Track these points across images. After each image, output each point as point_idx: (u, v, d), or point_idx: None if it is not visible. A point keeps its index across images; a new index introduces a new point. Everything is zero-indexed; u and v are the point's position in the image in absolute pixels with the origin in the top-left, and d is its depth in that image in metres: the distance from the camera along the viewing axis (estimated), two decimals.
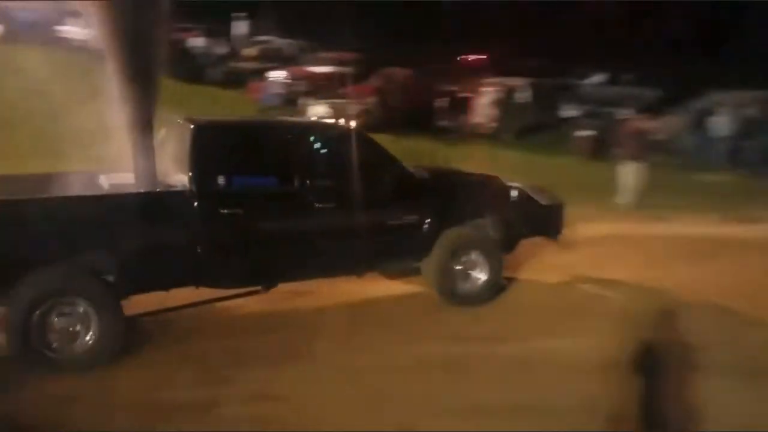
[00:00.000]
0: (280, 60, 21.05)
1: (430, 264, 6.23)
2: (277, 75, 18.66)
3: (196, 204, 5.16)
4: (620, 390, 4.45)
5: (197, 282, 5.32)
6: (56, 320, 4.75)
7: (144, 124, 5.44)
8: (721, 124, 14.50)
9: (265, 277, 5.62)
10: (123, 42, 5.26)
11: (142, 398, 4.48)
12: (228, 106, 16.83)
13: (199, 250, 5.16)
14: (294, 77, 18.66)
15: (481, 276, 6.37)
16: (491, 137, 16.35)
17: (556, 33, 25.41)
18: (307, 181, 5.58)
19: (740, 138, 14.13)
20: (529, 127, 17.49)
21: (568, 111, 17.73)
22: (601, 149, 14.07)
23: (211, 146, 5.32)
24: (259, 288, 5.64)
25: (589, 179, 12.15)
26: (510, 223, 6.51)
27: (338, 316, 6.02)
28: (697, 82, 17.90)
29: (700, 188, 12.40)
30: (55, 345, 4.76)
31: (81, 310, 4.80)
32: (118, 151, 5.61)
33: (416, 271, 6.42)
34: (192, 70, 19.51)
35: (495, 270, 6.39)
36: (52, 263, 4.76)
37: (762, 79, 18.34)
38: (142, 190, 5.30)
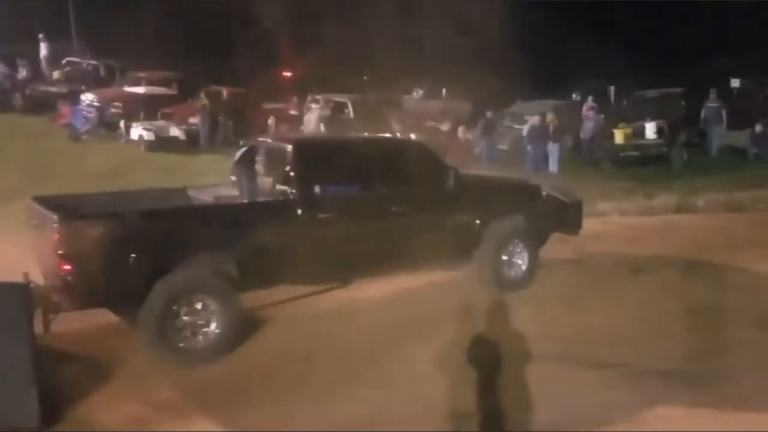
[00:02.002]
0: (90, 82, 19.63)
1: (481, 256, 7.19)
2: (89, 98, 17.36)
3: (299, 211, 5.94)
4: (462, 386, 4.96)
5: (297, 279, 6.21)
6: (186, 317, 5.45)
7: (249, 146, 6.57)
8: (527, 131, 15.74)
9: (351, 273, 6.62)
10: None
11: None
12: (31, 136, 15.26)
13: (301, 250, 5.90)
14: (108, 99, 17.49)
15: (522, 264, 7.40)
16: None
17: (373, 49, 26.24)
18: (384, 188, 6.55)
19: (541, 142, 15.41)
20: None
21: (394, 125, 18.38)
22: None
23: (307, 160, 6.15)
24: (337, 284, 6.76)
25: None
26: (541, 219, 7.62)
27: None
28: (504, 93, 19.47)
29: None
30: (186, 339, 5.47)
31: (207, 306, 5.50)
32: None
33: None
34: None
35: (533, 259, 7.47)
36: (185, 265, 5.38)
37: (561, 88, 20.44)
38: (255, 200, 6.25)
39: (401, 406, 4.76)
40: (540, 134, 15.60)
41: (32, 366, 4.41)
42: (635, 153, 15.99)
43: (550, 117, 15.70)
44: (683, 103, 17.42)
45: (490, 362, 5.18)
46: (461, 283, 7.46)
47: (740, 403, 4.81)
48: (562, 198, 8.04)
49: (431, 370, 5.26)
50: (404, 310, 6.75)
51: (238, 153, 6.60)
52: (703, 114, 16.93)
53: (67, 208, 5.53)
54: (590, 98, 18.31)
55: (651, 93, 18.16)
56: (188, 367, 5.36)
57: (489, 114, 17.22)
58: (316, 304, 6.85)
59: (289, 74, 22.04)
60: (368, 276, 7.04)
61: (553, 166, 15.41)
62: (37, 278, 5.55)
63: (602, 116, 17.82)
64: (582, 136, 17.17)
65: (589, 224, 8.36)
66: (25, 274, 4.95)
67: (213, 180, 8.24)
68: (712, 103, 16.93)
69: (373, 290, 7.21)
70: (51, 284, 5.37)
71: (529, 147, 15.78)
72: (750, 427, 4.53)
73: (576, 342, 5.92)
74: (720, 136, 16.84)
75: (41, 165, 12.32)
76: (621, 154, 16.07)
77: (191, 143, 16.06)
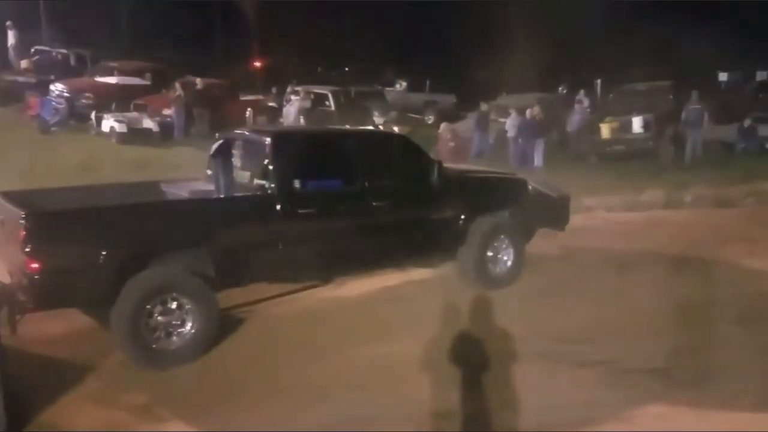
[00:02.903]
0: (60, 71, 19.38)
1: (465, 252, 7.15)
2: (59, 88, 17.13)
3: (278, 206, 5.87)
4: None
5: (276, 277, 6.18)
6: (160, 316, 5.37)
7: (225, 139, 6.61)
8: (509, 125, 15.76)
9: (331, 270, 6.62)
10: None
11: None
12: None
13: (281, 247, 5.88)
14: (79, 90, 17.27)
15: (507, 260, 7.38)
16: None
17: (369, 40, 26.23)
18: (366, 182, 6.45)
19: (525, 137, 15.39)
20: None
21: (376, 117, 18.40)
22: None
23: (286, 154, 6.05)
24: (318, 282, 6.79)
25: None
26: (528, 214, 7.62)
27: None
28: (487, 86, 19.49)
29: None
30: (159, 339, 5.38)
31: (182, 305, 5.44)
32: None
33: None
34: None
35: (518, 255, 7.47)
36: (159, 263, 5.37)
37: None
38: (232, 195, 6.17)
39: (382, 407, 4.74)
40: (528, 127, 15.60)
41: None
42: (622, 147, 16.09)
43: (535, 110, 15.73)
44: (671, 96, 17.58)
45: (472, 361, 5.19)
46: (445, 280, 7.47)
47: (726, 402, 4.84)
48: (549, 193, 8.05)
49: (413, 369, 5.25)
50: (385, 308, 6.75)
51: (214, 146, 6.52)
52: (684, 116, 16.00)
53: (35, 204, 5.43)
54: (582, 92, 18.31)
55: (638, 86, 18.30)
56: (162, 369, 5.30)
57: (484, 106, 17.07)
58: (294, 303, 6.81)
59: (267, 64, 21.91)
60: (350, 273, 7.03)
61: (538, 160, 15.46)
62: (3, 276, 5.47)
63: (589, 110, 17.95)
64: (568, 129, 17.27)
65: (575, 219, 8.42)
66: None
67: (188, 174, 8.17)
68: (694, 104, 15.95)
69: (353, 288, 7.21)
70: (17, 283, 5.26)
71: (519, 140, 15.74)
72: (736, 425, 4.58)
73: (561, 340, 5.95)
74: (700, 141, 15.79)
75: (7, 158, 12.12)
76: (607, 148, 16.17)
77: (165, 136, 15.92)
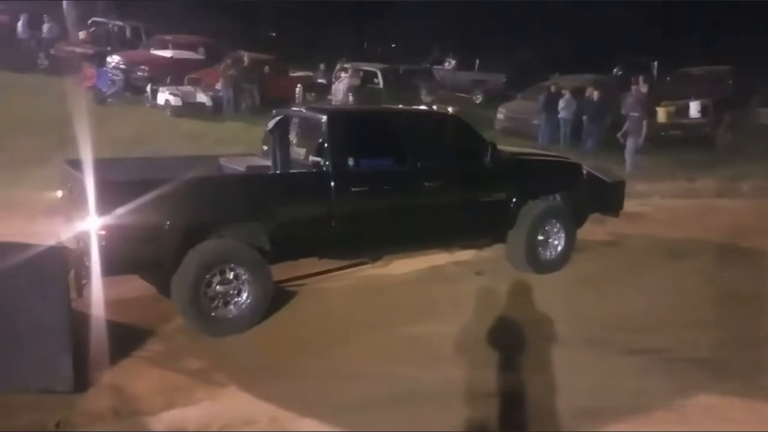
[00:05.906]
0: (116, 43, 19.82)
1: (515, 235, 7.20)
2: (115, 60, 17.55)
3: (332, 183, 5.99)
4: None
5: (327, 252, 6.36)
6: (219, 286, 5.60)
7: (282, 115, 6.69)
8: (564, 106, 15.45)
9: (382, 248, 6.80)
10: None
11: None
12: (56, 97, 15.40)
13: (333, 224, 6.02)
14: (135, 62, 17.65)
15: (558, 245, 7.41)
16: None
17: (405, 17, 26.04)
18: (418, 162, 6.54)
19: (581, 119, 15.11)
20: None
21: (424, 96, 18.32)
22: None
23: (342, 132, 6.19)
24: (366, 260, 6.98)
25: None
26: (581, 199, 7.64)
27: None
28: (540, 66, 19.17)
29: None
30: (217, 308, 5.61)
31: (239, 276, 5.64)
32: None
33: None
34: (14, 56, 17.85)
35: (569, 240, 7.44)
36: (218, 234, 5.59)
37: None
38: (288, 171, 6.37)
39: (422, 385, 4.84)
40: (583, 110, 15.28)
41: (67, 330, 4.51)
42: (678, 132, 15.75)
43: (591, 92, 15.41)
44: (730, 81, 17.06)
45: (517, 344, 5.27)
46: (492, 262, 7.55)
47: None
48: (604, 177, 7.98)
49: (455, 349, 5.36)
50: (430, 288, 6.86)
51: (271, 122, 6.65)
52: (626, 126, 14.05)
53: (102, 173, 5.61)
54: (641, 78, 17.75)
55: (696, 70, 17.81)
56: (219, 336, 5.52)
57: (553, 87, 16.48)
58: (341, 280, 6.98)
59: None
60: (399, 252, 7.16)
61: (591, 143, 15.19)
62: (70, 242, 5.72)
63: (645, 92, 17.46)
64: (623, 112, 16.85)
65: (627, 205, 8.34)
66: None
67: (239, 148, 8.34)
68: (635, 112, 13.97)
69: (399, 267, 7.35)
70: (84, 249, 5.50)
71: (583, 122, 15.33)
72: None
73: (609, 326, 5.96)
74: (639, 150, 13.78)
75: (65, 128, 12.48)
76: (663, 133, 15.83)
77: (217, 110, 16.20)
